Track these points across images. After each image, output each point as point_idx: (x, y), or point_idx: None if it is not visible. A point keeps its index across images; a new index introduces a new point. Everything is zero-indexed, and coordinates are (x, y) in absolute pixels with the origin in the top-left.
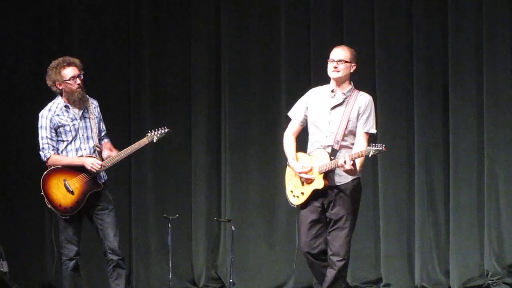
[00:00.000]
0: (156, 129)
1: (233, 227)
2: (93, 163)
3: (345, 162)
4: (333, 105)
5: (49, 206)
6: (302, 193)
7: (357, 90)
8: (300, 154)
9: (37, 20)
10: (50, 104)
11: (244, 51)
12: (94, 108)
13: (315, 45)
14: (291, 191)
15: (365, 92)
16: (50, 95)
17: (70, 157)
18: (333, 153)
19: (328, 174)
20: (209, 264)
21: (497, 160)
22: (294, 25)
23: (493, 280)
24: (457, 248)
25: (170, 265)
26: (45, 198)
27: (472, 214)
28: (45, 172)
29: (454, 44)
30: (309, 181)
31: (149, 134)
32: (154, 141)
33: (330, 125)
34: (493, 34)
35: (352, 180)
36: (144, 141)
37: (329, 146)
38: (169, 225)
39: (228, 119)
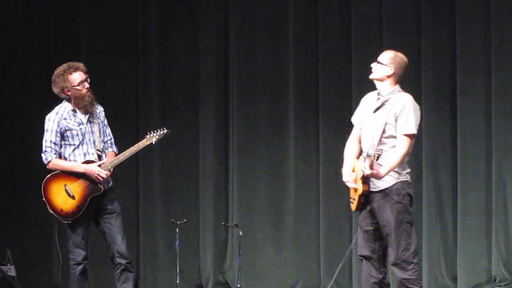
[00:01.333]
0: (155, 130)
1: (240, 232)
2: (99, 174)
3: (364, 167)
4: (374, 108)
5: (51, 211)
6: (354, 199)
7: (400, 92)
8: (356, 160)
9: (44, 29)
10: (57, 108)
11: (252, 54)
12: (99, 113)
13: (323, 49)
14: (350, 197)
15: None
16: (58, 97)
17: (72, 163)
18: (369, 157)
19: (367, 179)
20: (216, 269)
21: (505, 165)
22: (302, 29)
23: (500, 285)
24: (465, 253)
25: (177, 270)
26: (46, 203)
27: (480, 219)
28: (46, 178)
29: (462, 49)
30: (355, 188)
31: (148, 136)
32: (153, 142)
33: (372, 129)
34: (501, 38)
35: (394, 184)
36: (143, 143)
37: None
38: (177, 229)
39: (236, 124)
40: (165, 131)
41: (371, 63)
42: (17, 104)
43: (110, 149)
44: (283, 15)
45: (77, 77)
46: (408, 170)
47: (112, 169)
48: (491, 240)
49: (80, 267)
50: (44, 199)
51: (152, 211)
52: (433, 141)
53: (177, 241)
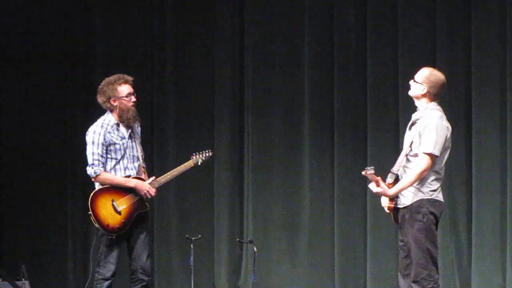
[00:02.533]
0: (201, 152)
1: (255, 248)
2: (148, 191)
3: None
4: (409, 126)
5: (96, 225)
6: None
7: (433, 110)
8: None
9: (60, 39)
10: (100, 121)
11: (268, 70)
12: (137, 127)
13: (339, 66)
14: None
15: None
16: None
17: (120, 178)
18: (393, 175)
19: (394, 196)
20: (231, 285)
21: None
22: (318, 45)
23: None
24: (479, 271)
25: (192, 286)
26: (92, 217)
27: (495, 237)
28: (94, 192)
29: (476, 65)
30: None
31: (194, 157)
32: (199, 163)
33: (404, 146)
34: None
35: (415, 201)
36: (189, 164)
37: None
38: (192, 245)
39: (251, 140)
40: (210, 153)
41: (386, 80)
42: (30, 114)
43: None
44: (299, 31)
45: (125, 89)
46: (434, 188)
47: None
48: (505, 257)
49: (107, 283)
50: (90, 212)
51: (167, 227)
52: (448, 157)
53: (192, 257)
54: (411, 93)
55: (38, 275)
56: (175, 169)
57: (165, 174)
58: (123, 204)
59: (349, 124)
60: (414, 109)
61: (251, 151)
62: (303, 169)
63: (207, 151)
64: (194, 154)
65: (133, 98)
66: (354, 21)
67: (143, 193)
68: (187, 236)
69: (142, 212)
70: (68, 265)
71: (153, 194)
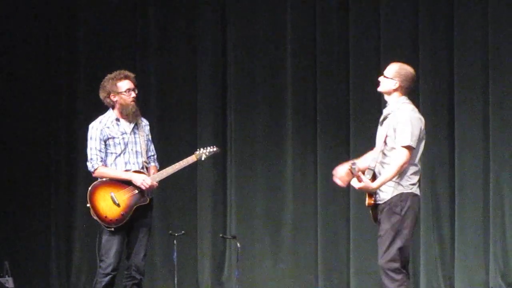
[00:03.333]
0: (205, 147)
1: (238, 244)
2: (144, 180)
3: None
4: (380, 121)
5: (95, 217)
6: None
7: (404, 104)
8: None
9: (44, 38)
10: (101, 117)
11: (250, 67)
12: (145, 126)
13: (321, 62)
14: None
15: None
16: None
17: (118, 171)
18: (371, 171)
19: (373, 193)
20: (214, 281)
21: (502, 177)
22: (300, 42)
23: None
24: (463, 265)
25: (175, 282)
26: (91, 209)
27: (478, 231)
28: (93, 184)
29: (459, 61)
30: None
31: (197, 152)
32: (202, 159)
33: (377, 141)
34: (499, 50)
35: (395, 196)
36: (192, 158)
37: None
38: (175, 241)
39: (233, 136)
40: (215, 149)
41: (369, 76)
42: (13, 109)
43: (152, 164)
44: (281, 28)
45: (125, 84)
46: (413, 181)
47: (158, 181)
48: (489, 252)
49: (108, 278)
50: (89, 204)
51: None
52: (431, 153)
53: (175, 253)
54: (381, 89)
55: (22, 271)
56: (177, 163)
57: (166, 168)
58: (122, 196)
59: (331, 121)
60: None
61: (234, 147)
62: (286, 165)
63: (211, 146)
64: (198, 149)
65: (133, 94)
66: (336, 18)
67: (139, 184)
68: (170, 232)
69: (142, 205)
70: (52, 262)
71: (148, 183)
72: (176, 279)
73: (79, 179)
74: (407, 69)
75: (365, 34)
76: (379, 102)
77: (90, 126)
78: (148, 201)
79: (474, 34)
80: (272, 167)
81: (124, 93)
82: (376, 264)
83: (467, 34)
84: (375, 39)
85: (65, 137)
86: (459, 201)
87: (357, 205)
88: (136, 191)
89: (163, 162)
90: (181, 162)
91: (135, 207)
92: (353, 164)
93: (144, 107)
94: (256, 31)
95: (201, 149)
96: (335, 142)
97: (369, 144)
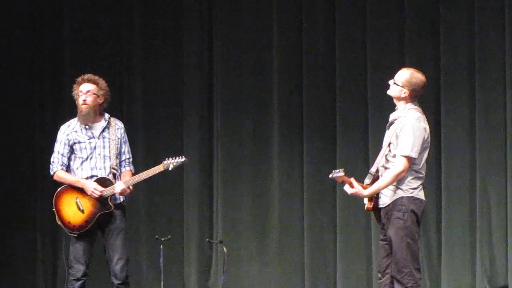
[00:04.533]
0: (173, 157)
1: (225, 248)
2: (94, 189)
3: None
4: (387, 125)
5: (59, 222)
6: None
7: (410, 110)
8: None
9: (28, 40)
10: (71, 120)
11: (237, 71)
12: (117, 129)
13: (308, 67)
14: None
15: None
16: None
17: (74, 178)
18: (371, 176)
19: (373, 197)
20: (201, 285)
21: (489, 181)
22: (286, 46)
23: None
24: (449, 269)
25: (162, 286)
26: (55, 214)
27: (464, 235)
28: (59, 189)
29: (445, 65)
30: None
31: (165, 162)
32: (170, 169)
33: (383, 146)
34: (485, 54)
35: (394, 200)
36: (159, 168)
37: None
38: (161, 246)
39: (220, 140)
40: (183, 159)
41: (355, 80)
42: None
43: (127, 168)
44: (268, 32)
45: (83, 87)
46: (414, 186)
47: (131, 186)
48: (475, 256)
49: (79, 283)
50: (54, 209)
51: (136, 228)
52: None
53: (161, 258)
54: (390, 93)
55: (7, 271)
56: (143, 172)
57: (133, 177)
58: (86, 202)
59: (318, 125)
60: (383, 109)
61: (220, 152)
62: (272, 170)
63: (179, 156)
64: (166, 158)
65: (84, 97)
66: (322, 23)
67: (89, 193)
68: (157, 236)
69: (107, 212)
70: (37, 261)
71: (98, 194)
72: (162, 284)
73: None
74: (418, 77)
75: (351, 38)
76: (365, 106)
77: (60, 129)
78: (111, 209)
79: (461, 37)
80: (259, 172)
81: (77, 96)
82: (362, 268)
83: (453, 38)
84: (362, 43)
85: (50, 140)
86: (445, 203)
87: (344, 209)
88: (100, 199)
89: (150, 167)
90: (148, 171)
91: (98, 214)
92: (334, 172)
93: (129, 113)
94: (243, 35)
95: (169, 159)
96: (322, 146)
97: (356, 148)
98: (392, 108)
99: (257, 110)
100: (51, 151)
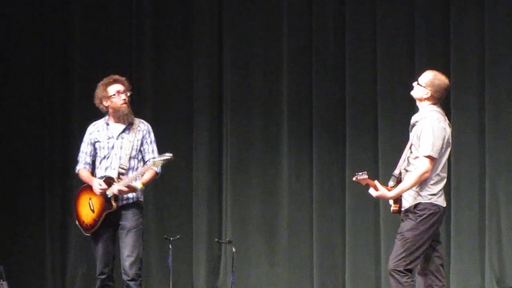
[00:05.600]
0: (161, 155)
1: (233, 248)
2: (98, 185)
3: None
4: (410, 127)
5: (76, 222)
6: None
7: (432, 112)
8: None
9: (38, 40)
10: (98, 120)
11: (246, 70)
12: (139, 131)
13: (317, 66)
14: None
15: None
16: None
17: (89, 176)
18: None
19: (397, 199)
20: (209, 285)
21: (498, 183)
22: (296, 45)
23: None
24: (458, 271)
25: (170, 286)
26: (75, 216)
27: (473, 237)
28: (78, 190)
29: (455, 66)
30: None
31: (154, 160)
32: (159, 166)
33: (406, 148)
34: (495, 56)
35: (413, 204)
36: (148, 167)
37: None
38: (170, 246)
39: (229, 140)
40: (169, 157)
41: (364, 81)
42: (5, 116)
43: (151, 169)
44: (278, 31)
45: (114, 87)
46: (434, 192)
47: (125, 186)
48: (484, 257)
49: (98, 282)
50: (74, 212)
51: (146, 227)
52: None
53: (170, 257)
54: (413, 94)
55: (17, 275)
56: (134, 173)
57: (130, 176)
58: (96, 202)
59: (327, 125)
60: (393, 110)
61: (230, 151)
62: (282, 170)
63: (166, 154)
64: (153, 157)
65: (123, 96)
66: (332, 22)
67: (94, 190)
68: (166, 236)
69: (111, 211)
70: (47, 264)
71: (99, 190)
72: (171, 283)
73: (73, 180)
74: (441, 79)
75: (361, 39)
76: (375, 106)
77: (87, 128)
78: (113, 208)
79: (471, 39)
80: (268, 172)
81: (113, 96)
82: (371, 269)
83: (464, 39)
84: (371, 43)
85: (59, 137)
86: (454, 206)
87: (353, 209)
88: (106, 198)
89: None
90: (136, 172)
91: (104, 213)
92: (357, 174)
93: (139, 112)
94: (253, 34)
95: (156, 156)
96: (331, 146)
97: (365, 149)
98: (402, 108)
99: (267, 110)
100: (61, 149)
